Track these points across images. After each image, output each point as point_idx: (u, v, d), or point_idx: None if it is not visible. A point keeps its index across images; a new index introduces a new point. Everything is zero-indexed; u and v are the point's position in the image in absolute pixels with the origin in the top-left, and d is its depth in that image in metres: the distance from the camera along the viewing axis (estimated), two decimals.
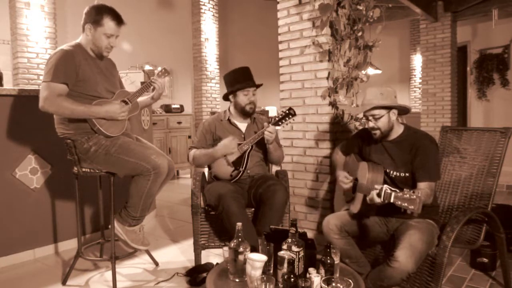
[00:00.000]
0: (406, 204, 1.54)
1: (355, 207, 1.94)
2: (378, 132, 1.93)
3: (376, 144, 2.02)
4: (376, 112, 1.89)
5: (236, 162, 2.34)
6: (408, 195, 1.54)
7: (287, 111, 2.31)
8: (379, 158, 1.99)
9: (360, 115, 2.82)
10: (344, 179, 2.05)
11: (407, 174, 1.90)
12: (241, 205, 2.15)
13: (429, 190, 1.79)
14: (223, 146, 2.31)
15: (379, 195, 1.64)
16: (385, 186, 1.64)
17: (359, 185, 1.95)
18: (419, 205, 1.51)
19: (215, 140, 2.43)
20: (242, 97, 2.39)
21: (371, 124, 1.92)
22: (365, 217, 1.97)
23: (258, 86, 2.44)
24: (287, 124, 2.35)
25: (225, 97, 2.49)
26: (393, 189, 1.62)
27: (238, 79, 2.41)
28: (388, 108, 1.89)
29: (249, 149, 2.34)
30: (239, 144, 2.34)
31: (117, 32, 2.09)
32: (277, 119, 2.31)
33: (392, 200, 1.59)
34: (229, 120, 2.45)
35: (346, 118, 2.83)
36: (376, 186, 1.69)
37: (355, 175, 2.04)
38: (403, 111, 1.95)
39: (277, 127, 2.38)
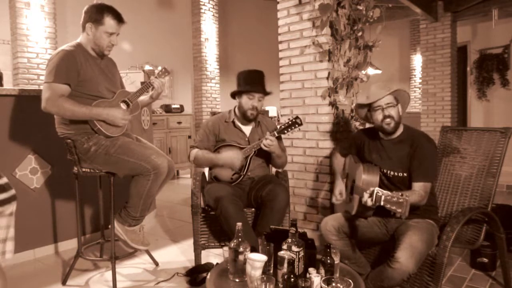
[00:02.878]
0: (394, 207, 1.55)
1: (352, 208, 1.94)
2: (392, 121, 1.90)
3: (375, 144, 2.02)
4: (391, 100, 1.90)
5: None
6: (396, 198, 1.55)
7: (293, 120, 2.26)
8: (378, 158, 1.99)
9: (387, 111, 2.81)
10: (338, 196, 2.08)
11: (404, 174, 1.90)
12: (239, 207, 2.14)
13: (423, 192, 1.79)
14: (227, 158, 2.26)
15: (371, 197, 1.64)
16: (377, 188, 1.64)
17: (355, 187, 1.95)
18: (406, 208, 1.52)
19: (218, 141, 2.40)
20: (246, 100, 2.33)
21: (386, 112, 1.90)
22: (364, 218, 1.97)
23: (266, 93, 2.37)
24: (292, 133, 2.31)
25: (233, 96, 2.44)
26: (384, 191, 1.61)
27: (247, 81, 2.35)
28: (396, 101, 1.93)
29: (251, 155, 2.32)
30: (241, 149, 2.31)
31: (118, 30, 2.10)
32: (282, 127, 2.28)
33: (382, 203, 1.59)
34: (233, 122, 2.42)
35: (346, 118, 2.83)
36: (368, 190, 1.69)
37: (353, 176, 2.04)
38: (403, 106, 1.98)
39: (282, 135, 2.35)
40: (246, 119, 2.39)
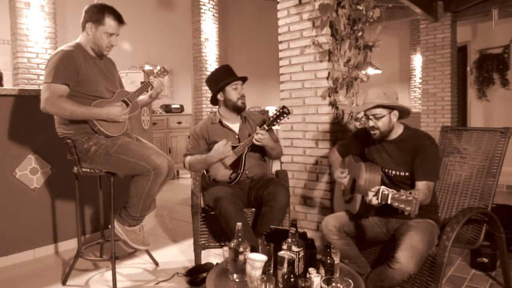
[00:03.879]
0: (403, 206, 1.53)
1: (354, 208, 1.94)
2: (377, 132, 1.92)
3: (375, 144, 2.02)
4: (378, 111, 1.88)
5: (233, 165, 2.32)
6: (404, 196, 1.53)
7: (280, 110, 2.27)
8: (379, 158, 1.99)
9: (360, 115, 2.82)
10: (340, 175, 2.05)
11: (406, 174, 1.90)
12: (239, 208, 2.13)
13: (427, 191, 1.79)
14: (216, 152, 2.25)
15: (376, 196, 1.64)
16: (382, 187, 1.63)
17: (357, 186, 1.95)
18: (416, 206, 1.50)
19: (210, 144, 2.39)
20: (232, 92, 2.35)
21: (371, 123, 1.91)
22: (365, 217, 1.97)
23: (243, 79, 2.40)
24: (282, 123, 2.31)
25: (213, 99, 2.45)
26: (390, 190, 1.61)
27: (222, 77, 2.37)
28: (390, 108, 1.89)
29: (245, 152, 2.31)
30: (234, 147, 2.30)
31: (117, 31, 2.11)
32: (271, 119, 2.29)
33: (389, 202, 1.58)
34: (220, 122, 2.42)
35: (346, 118, 2.83)
36: (373, 188, 1.68)
37: (353, 175, 2.03)
38: (404, 113, 1.94)
39: (273, 127, 2.36)
40: (237, 110, 2.39)
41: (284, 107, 2.28)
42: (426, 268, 1.79)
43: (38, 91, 2.24)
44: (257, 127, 2.28)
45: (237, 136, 2.40)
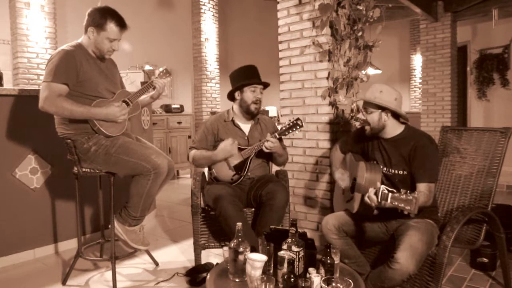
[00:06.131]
0: (402, 205, 1.53)
1: (354, 207, 1.94)
2: (368, 127, 1.95)
3: (376, 143, 2.02)
4: (368, 106, 1.93)
5: (237, 167, 2.31)
6: (404, 196, 1.54)
7: (294, 122, 2.26)
8: (379, 156, 1.99)
9: (360, 115, 2.82)
10: (341, 176, 2.11)
11: (404, 172, 1.90)
12: (239, 208, 2.13)
13: (428, 192, 1.78)
14: (222, 150, 2.25)
15: (376, 194, 1.64)
16: (383, 186, 1.64)
17: (357, 185, 1.95)
18: (416, 206, 1.51)
19: (216, 141, 2.39)
20: (249, 94, 2.33)
21: (362, 116, 1.96)
22: (364, 217, 1.97)
23: (265, 85, 2.39)
24: (293, 134, 2.31)
25: (231, 95, 2.42)
26: (390, 189, 1.61)
27: (246, 75, 2.36)
28: (380, 108, 1.89)
29: (251, 155, 2.31)
30: (241, 149, 2.30)
31: (119, 36, 2.10)
32: (283, 129, 2.28)
33: (389, 201, 1.58)
34: (233, 121, 2.41)
35: (346, 118, 2.83)
36: (374, 187, 1.69)
37: (354, 174, 2.04)
38: (398, 116, 1.92)
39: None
40: (249, 114, 2.38)
41: (298, 119, 2.26)
42: (426, 268, 1.79)
43: (38, 91, 2.23)
44: (268, 134, 2.26)
45: (246, 137, 2.39)
